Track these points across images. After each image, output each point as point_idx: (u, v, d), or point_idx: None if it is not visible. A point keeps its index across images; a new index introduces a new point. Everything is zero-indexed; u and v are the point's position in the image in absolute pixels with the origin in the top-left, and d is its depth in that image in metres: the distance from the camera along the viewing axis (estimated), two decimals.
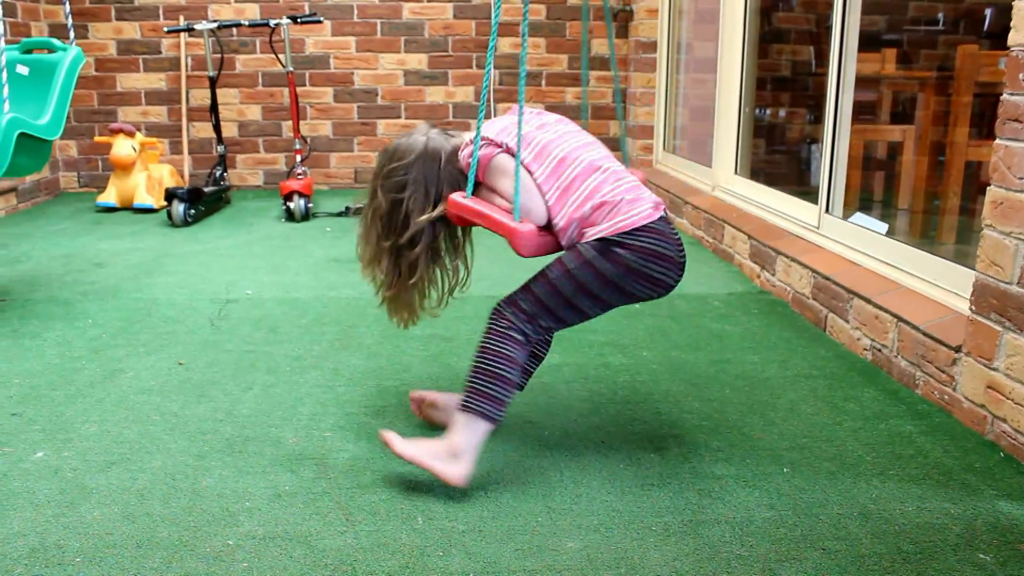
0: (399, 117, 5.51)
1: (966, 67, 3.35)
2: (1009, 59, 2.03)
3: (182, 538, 1.55)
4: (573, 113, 5.47)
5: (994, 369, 2.06)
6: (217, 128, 5.04)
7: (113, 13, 5.33)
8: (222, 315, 2.90)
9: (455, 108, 5.49)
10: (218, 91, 5.13)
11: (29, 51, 3.07)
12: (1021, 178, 1.98)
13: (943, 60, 4.76)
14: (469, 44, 5.42)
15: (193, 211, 4.50)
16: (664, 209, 1.77)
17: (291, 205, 4.52)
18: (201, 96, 5.39)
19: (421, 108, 5.48)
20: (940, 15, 5.12)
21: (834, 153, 3.18)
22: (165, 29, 4.97)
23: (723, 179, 4.22)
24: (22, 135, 2.72)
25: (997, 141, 2.07)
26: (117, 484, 1.75)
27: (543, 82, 5.47)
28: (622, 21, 5.39)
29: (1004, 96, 2.04)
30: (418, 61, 5.45)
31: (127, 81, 5.42)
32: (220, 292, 3.18)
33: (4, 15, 4.70)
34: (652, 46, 5.19)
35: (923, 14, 5.11)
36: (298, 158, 4.80)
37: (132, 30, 5.36)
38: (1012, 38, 2.02)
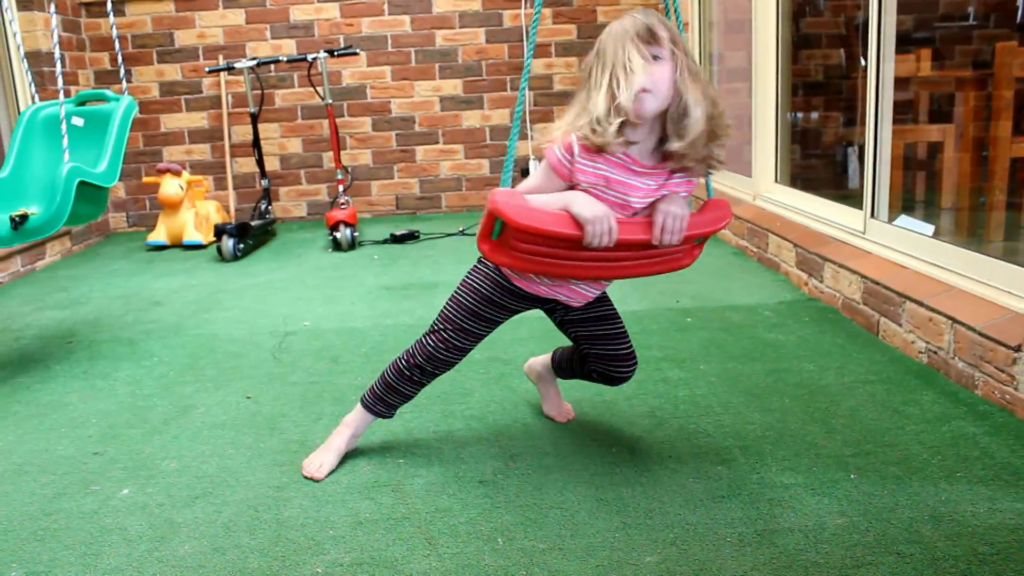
0: (437, 143, 5.59)
1: (1005, 63, 3.36)
2: None
3: (272, 568, 1.61)
4: None
5: None
6: (260, 162, 5.15)
7: (155, 57, 5.47)
8: (283, 347, 2.97)
9: (492, 131, 5.56)
10: (259, 126, 5.24)
11: (83, 103, 3.18)
12: None
13: (977, 56, 4.75)
14: (502, 68, 5.50)
15: (242, 245, 4.60)
16: None
17: (338, 235, 4.61)
18: (243, 132, 5.51)
19: (459, 132, 5.56)
20: (970, 9, 5.10)
21: (876, 157, 3.20)
22: (207, 69, 5.09)
23: (764, 188, 4.24)
24: (81, 183, 2.81)
25: None
26: (203, 518, 1.82)
27: None
28: None
29: None
30: (453, 87, 5.53)
31: (171, 121, 5.55)
32: (278, 325, 3.25)
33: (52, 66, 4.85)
34: None
35: (953, 10, 5.09)
36: (340, 188, 4.89)
37: (174, 72, 5.49)
38: None
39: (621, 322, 2.04)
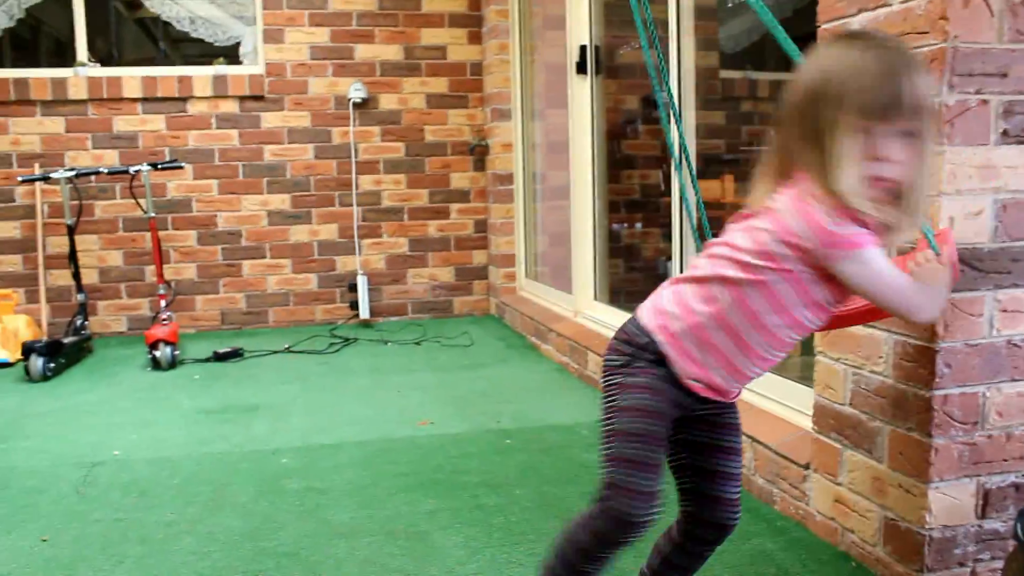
0: (264, 257, 5.53)
1: None
2: None
3: None
4: (439, 245, 5.64)
5: (839, 484, 2.23)
6: (76, 275, 4.95)
7: None
8: (88, 481, 2.82)
9: (320, 246, 5.57)
10: (77, 238, 5.05)
11: None
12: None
13: None
14: (331, 183, 5.55)
15: (53, 364, 4.37)
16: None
17: (157, 354, 4.46)
18: (59, 243, 5.29)
19: (286, 247, 5.53)
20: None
21: None
22: (19, 179, 4.91)
23: (583, 305, 4.40)
24: None
25: None
26: None
27: (405, 216, 5.63)
28: (479, 155, 5.62)
29: None
30: (281, 201, 5.52)
31: None
32: (85, 455, 3.09)
33: None
34: (508, 178, 5.44)
35: (756, 137, 5.51)
36: (162, 303, 4.76)
37: None
38: None
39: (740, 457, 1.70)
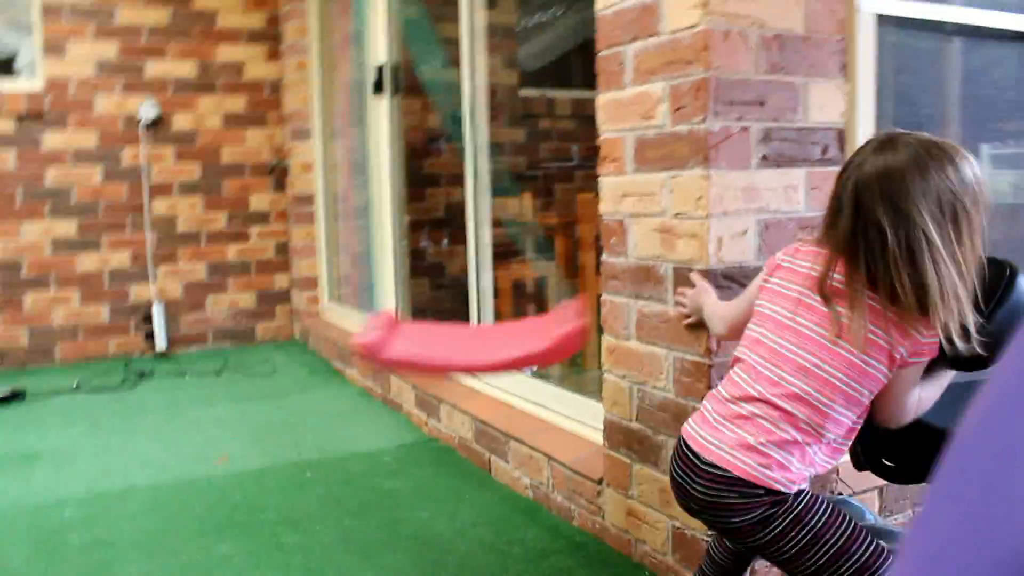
0: (48, 288, 5.17)
1: (585, 212, 3.78)
2: (602, 226, 2.33)
3: None
4: (239, 269, 5.45)
5: (630, 497, 2.30)
6: None
7: None
8: None
9: (111, 275, 5.26)
10: None
11: None
12: (625, 328, 2.26)
13: (572, 198, 5.30)
14: (122, 207, 5.24)
15: None
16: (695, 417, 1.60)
17: None
18: None
19: (73, 277, 5.19)
20: (574, 149, 5.70)
21: (480, 295, 3.44)
22: None
23: None
24: None
25: (603, 296, 2.35)
26: None
27: (203, 241, 5.40)
28: (279, 176, 5.49)
29: (603, 257, 2.34)
30: (66, 228, 5.18)
31: None
32: None
33: None
34: (309, 199, 5.32)
35: (560, 153, 5.66)
36: None
37: None
38: (601, 208, 2.32)
39: None
